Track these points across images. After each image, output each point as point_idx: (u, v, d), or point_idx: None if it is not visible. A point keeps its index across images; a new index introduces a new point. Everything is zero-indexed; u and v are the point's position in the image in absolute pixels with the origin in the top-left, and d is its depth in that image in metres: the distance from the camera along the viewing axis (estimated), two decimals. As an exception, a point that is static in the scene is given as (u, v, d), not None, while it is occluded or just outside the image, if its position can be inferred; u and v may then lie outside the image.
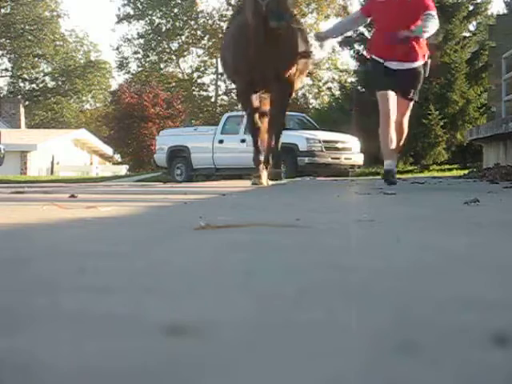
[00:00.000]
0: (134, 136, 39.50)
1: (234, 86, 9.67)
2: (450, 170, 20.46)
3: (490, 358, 0.78)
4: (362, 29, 23.75)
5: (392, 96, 7.25)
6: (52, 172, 36.39)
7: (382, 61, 7.27)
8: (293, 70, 8.26)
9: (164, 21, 53.34)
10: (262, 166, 8.21)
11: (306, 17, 45.87)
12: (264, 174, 8.17)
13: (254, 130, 8.42)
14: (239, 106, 10.84)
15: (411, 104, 7.44)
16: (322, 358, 0.79)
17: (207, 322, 0.95)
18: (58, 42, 58.05)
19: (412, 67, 7.23)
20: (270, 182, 8.21)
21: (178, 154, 20.46)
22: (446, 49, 22.13)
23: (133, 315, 1.00)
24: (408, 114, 7.48)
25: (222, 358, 0.78)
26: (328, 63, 48.47)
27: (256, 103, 8.34)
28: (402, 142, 7.63)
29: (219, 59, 10.48)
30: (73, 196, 4.74)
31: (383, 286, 1.26)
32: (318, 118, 23.31)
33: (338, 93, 26.27)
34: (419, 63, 7.26)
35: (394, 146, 7.30)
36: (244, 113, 9.33)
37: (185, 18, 53.18)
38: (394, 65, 7.21)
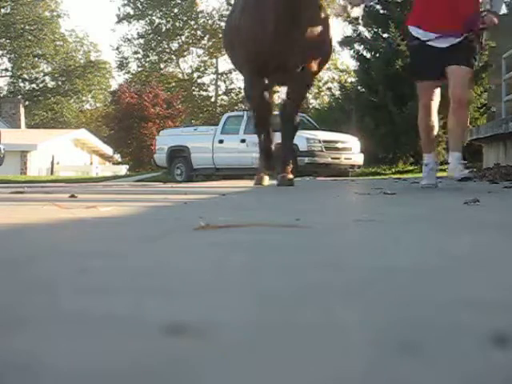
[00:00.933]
0: (134, 136, 39.51)
1: (241, 75, 7.90)
2: (450, 169, 20.41)
3: (490, 358, 0.78)
4: (361, 28, 23.78)
5: (434, 86, 5.89)
6: (52, 172, 36.38)
7: (430, 36, 5.74)
8: (319, 60, 6.88)
9: (164, 21, 53.37)
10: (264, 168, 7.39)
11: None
12: (266, 176, 7.52)
13: (262, 128, 7.26)
14: (244, 103, 9.13)
15: (468, 72, 5.83)
16: (322, 358, 0.79)
17: (207, 322, 0.95)
18: (57, 42, 58.09)
19: (463, 38, 5.79)
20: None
21: (178, 154, 20.49)
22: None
23: (133, 315, 1.00)
24: (466, 84, 5.86)
25: (222, 358, 0.78)
26: (327, 63, 48.48)
27: (268, 97, 7.07)
28: (463, 131, 6.22)
29: (224, 39, 8.32)
30: (73, 196, 4.74)
31: (383, 286, 1.26)
32: (318, 118, 23.35)
33: (338, 93, 26.30)
34: (472, 35, 5.82)
35: (434, 134, 6.06)
36: (249, 108, 7.95)
37: (185, 18, 53.21)
38: (441, 41, 5.76)
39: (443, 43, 5.77)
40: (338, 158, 18.65)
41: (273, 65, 6.51)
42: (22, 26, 55.80)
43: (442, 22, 5.75)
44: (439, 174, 6.81)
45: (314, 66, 6.84)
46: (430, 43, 5.80)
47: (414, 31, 5.91)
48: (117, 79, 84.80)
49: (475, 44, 5.85)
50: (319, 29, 6.67)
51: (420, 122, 6.10)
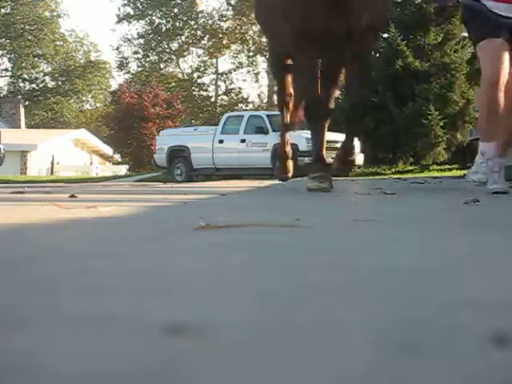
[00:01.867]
0: (134, 136, 39.50)
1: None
2: (450, 169, 20.47)
3: (490, 358, 0.78)
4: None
5: (502, 49, 4.81)
6: (52, 172, 36.37)
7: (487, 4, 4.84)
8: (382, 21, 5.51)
9: (164, 21, 53.37)
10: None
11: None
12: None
13: (318, 117, 5.78)
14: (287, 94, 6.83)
15: None
16: (322, 358, 0.79)
17: (207, 321, 0.95)
18: (58, 42, 58.09)
19: None
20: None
21: (178, 154, 20.51)
22: (446, 49, 22.17)
23: (133, 315, 1.00)
24: None
25: (222, 358, 0.78)
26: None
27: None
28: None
29: (255, 13, 6.88)
30: (73, 196, 4.74)
31: (383, 285, 1.26)
32: (318, 118, 23.29)
33: (337, 92, 26.27)
34: None
35: (498, 116, 4.83)
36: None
37: (185, 18, 53.20)
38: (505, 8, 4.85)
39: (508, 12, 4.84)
40: (338, 158, 18.64)
41: (323, 33, 5.14)
42: (22, 26, 55.79)
43: None
44: (439, 174, 6.76)
45: (369, 35, 5.52)
46: (494, 10, 4.87)
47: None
48: (117, 79, 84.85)
49: None
50: None
51: (481, 97, 5.03)
